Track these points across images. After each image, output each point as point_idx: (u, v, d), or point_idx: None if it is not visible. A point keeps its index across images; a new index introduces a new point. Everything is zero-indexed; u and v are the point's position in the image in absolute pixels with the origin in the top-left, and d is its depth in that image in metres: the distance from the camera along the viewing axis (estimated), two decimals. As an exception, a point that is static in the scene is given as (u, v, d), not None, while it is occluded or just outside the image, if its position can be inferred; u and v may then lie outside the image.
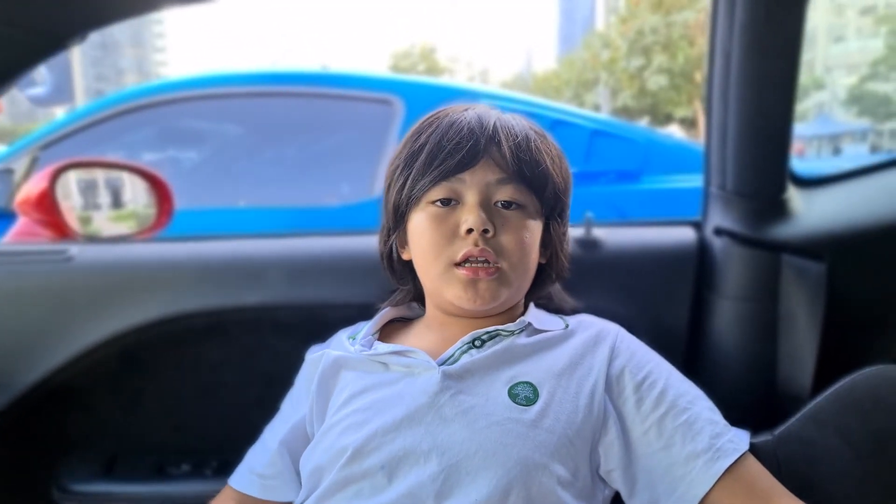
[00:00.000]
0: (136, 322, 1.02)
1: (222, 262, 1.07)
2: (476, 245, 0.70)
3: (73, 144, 2.23)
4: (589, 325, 0.77)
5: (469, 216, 0.71)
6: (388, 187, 0.78)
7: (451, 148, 0.71)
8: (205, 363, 1.10)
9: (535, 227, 0.75)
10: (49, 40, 0.86)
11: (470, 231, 0.70)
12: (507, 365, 0.70)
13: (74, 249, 1.07)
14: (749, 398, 1.01)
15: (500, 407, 0.66)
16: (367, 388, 0.72)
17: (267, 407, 0.83)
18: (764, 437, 0.75)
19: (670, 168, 2.23)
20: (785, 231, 1.00)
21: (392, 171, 0.77)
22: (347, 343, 0.80)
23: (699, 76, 21.34)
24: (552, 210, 0.77)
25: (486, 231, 0.70)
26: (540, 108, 2.33)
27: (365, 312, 0.84)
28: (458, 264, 0.71)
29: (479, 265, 0.71)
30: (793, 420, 0.76)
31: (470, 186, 0.72)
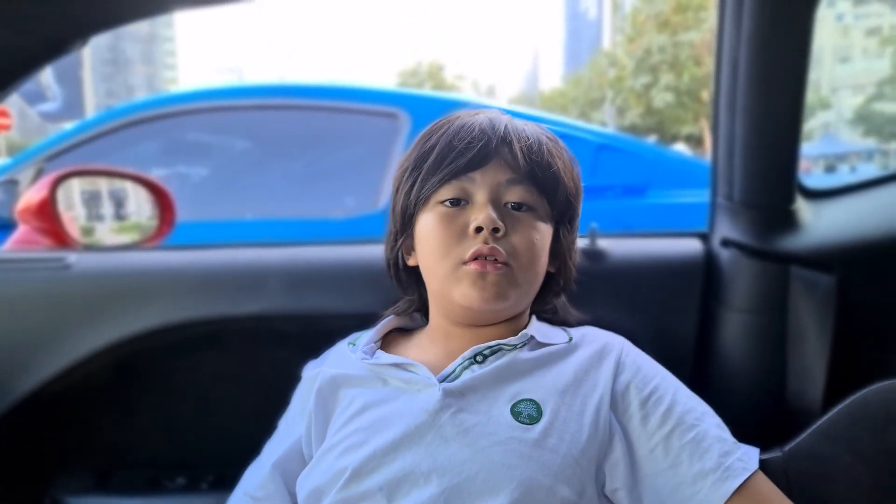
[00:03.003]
0: (132, 331, 1.01)
1: (220, 270, 1.06)
2: (486, 243, 0.69)
3: (78, 156, 2.24)
4: (593, 339, 0.75)
5: (479, 214, 0.69)
6: (397, 191, 0.77)
7: (462, 147, 0.71)
8: (202, 373, 1.09)
9: (546, 231, 0.74)
10: (51, 44, 0.86)
11: (479, 230, 0.69)
12: (510, 381, 0.69)
13: (73, 257, 1.07)
14: (758, 413, 0.99)
15: (502, 426, 0.65)
16: (367, 405, 0.70)
17: (264, 419, 0.81)
18: (773, 454, 0.74)
19: (676, 183, 2.22)
20: (793, 242, 0.98)
21: (401, 174, 0.76)
22: (347, 350, 0.78)
23: (705, 94, 21.47)
24: (562, 215, 0.76)
25: (495, 230, 0.69)
26: (545, 122, 2.33)
27: (364, 322, 0.83)
28: (466, 262, 0.70)
29: (488, 261, 0.69)
30: (803, 436, 0.75)
31: (480, 186, 0.71)
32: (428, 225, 0.73)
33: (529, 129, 0.75)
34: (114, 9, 0.85)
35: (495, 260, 0.69)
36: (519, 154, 0.71)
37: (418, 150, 0.74)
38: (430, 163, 0.72)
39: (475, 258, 0.69)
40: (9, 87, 0.90)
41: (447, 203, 0.72)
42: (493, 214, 0.69)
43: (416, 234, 0.75)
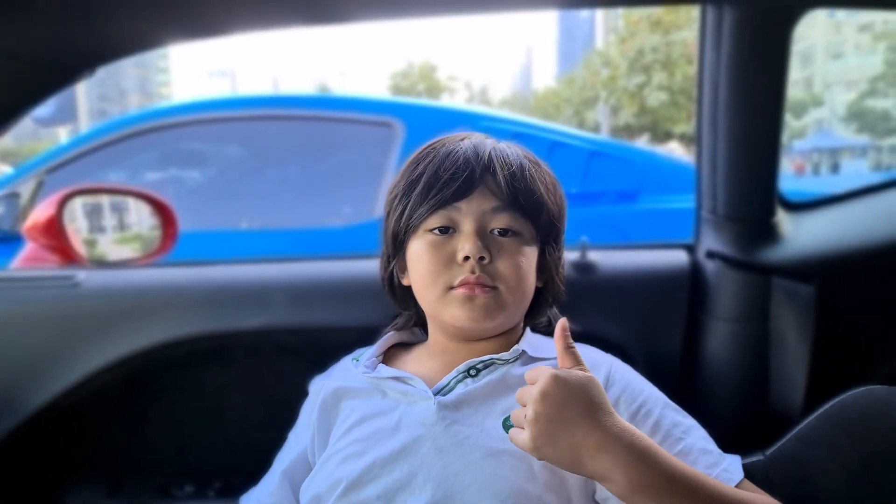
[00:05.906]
0: (141, 346, 1.04)
1: (225, 286, 1.09)
2: (473, 272, 0.72)
3: (78, 168, 2.26)
4: (584, 356, 0.76)
5: (466, 244, 0.72)
6: (388, 215, 0.80)
7: (447, 178, 0.73)
8: (208, 386, 1.12)
9: (531, 253, 0.77)
10: (58, 75, 0.90)
11: (467, 258, 0.72)
12: (502, 395, 0.72)
13: (81, 275, 1.10)
14: (741, 418, 1.02)
15: (494, 439, 0.68)
16: (366, 416, 0.73)
17: (269, 429, 0.84)
18: (756, 457, 0.77)
19: (667, 188, 2.26)
20: (774, 254, 1.02)
21: (391, 200, 0.79)
22: (351, 365, 0.82)
23: (698, 94, 21.41)
24: (547, 236, 0.79)
25: (482, 258, 0.72)
26: (538, 129, 2.36)
27: (366, 336, 0.86)
28: (454, 287, 0.73)
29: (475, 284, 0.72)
30: (784, 440, 0.78)
31: (466, 215, 0.74)
32: (418, 251, 0.76)
33: (513, 154, 0.76)
34: (118, 42, 0.89)
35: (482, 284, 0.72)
36: (503, 182, 0.73)
37: (406, 178, 0.77)
38: (418, 192, 0.74)
39: (463, 285, 0.72)
40: (19, 114, 0.93)
41: (435, 231, 0.74)
42: (479, 244, 0.72)
43: (407, 257, 0.78)
